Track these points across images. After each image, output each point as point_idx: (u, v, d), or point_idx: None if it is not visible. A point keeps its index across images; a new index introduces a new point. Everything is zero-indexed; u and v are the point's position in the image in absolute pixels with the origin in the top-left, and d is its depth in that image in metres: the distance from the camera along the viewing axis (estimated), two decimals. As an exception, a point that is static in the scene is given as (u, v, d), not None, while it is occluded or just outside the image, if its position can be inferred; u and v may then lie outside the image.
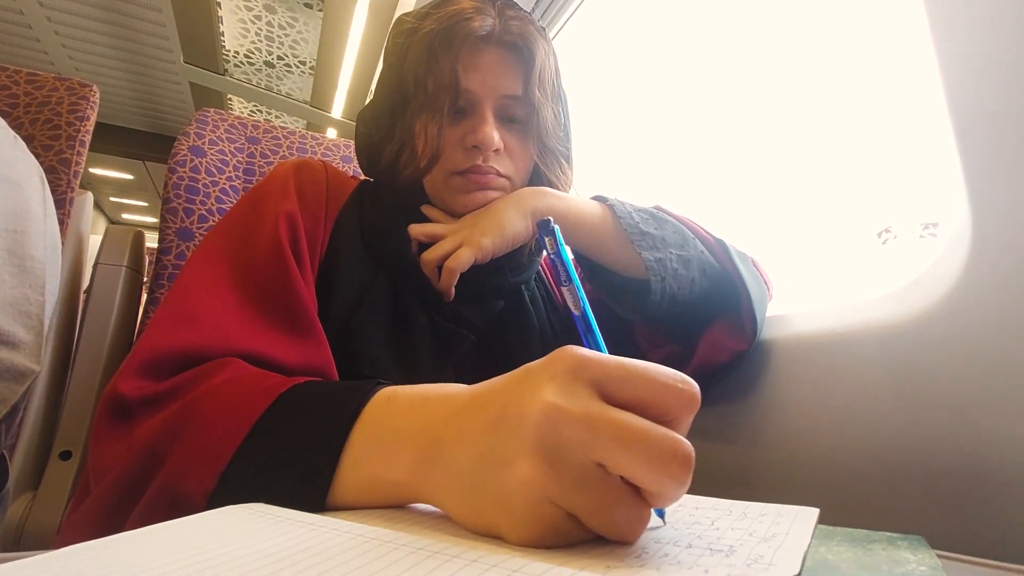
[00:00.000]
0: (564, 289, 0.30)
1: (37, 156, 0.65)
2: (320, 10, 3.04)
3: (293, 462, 0.27)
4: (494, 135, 0.50)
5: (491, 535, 0.21)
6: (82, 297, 0.84)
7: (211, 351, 0.37)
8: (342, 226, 0.53)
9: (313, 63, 3.59)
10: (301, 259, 0.47)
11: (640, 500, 0.21)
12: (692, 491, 0.29)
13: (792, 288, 0.71)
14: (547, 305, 0.61)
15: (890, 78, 0.91)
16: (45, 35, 3.22)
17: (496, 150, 0.51)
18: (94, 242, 0.87)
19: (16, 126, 0.75)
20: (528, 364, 0.23)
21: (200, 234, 0.86)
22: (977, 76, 0.38)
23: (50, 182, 0.67)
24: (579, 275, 0.31)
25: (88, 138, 0.82)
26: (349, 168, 1.02)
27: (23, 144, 0.61)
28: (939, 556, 0.25)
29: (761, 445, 0.56)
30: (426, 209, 0.55)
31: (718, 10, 1.19)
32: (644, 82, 1.33)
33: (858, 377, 0.47)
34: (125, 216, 7.08)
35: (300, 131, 1.03)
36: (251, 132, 0.98)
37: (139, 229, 0.92)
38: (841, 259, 1.12)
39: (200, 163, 0.89)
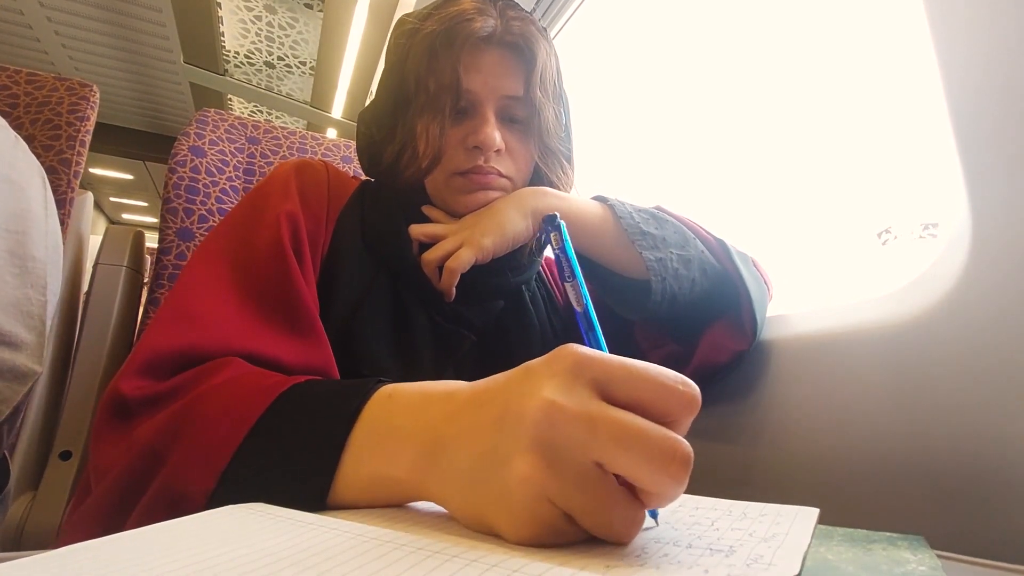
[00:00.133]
0: (567, 285, 0.30)
1: (37, 156, 0.65)
2: (320, 10, 3.04)
3: (294, 461, 0.27)
4: (495, 135, 0.50)
5: (490, 533, 0.21)
6: (82, 297, 0.84)
7: (212, 351, 0.37)
8: (343, 227, 0.53)
9: (313, 63, 3.59)
10: (302, 259, 0.47)
11: (636, 502, 0.21)
12: (692, 491, 0.29)
13: (792, 288, 0.71)
14: (548, 305, 0.61)
15: (890, 78, 0.91)
16: (45, 35, 3.22)
17: (497, 150, 0.51)
18: (94, 242, 0.88)
19: (16, 126, 0.75)
20: (529, 362, 0.23)
21: (200, 234, 0.86)
22: (977, 76, 0.38)
23: (50, 182, 0.67)
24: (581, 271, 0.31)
25: (88, 138, 0.82)
26: (349, 168, 1.02)
27: (25, 145, 0.61)
28: (939, 556, 0.25)
29: (761, 445, 0.56)
30: (427, 209, 0.55)
31: (718, 10, 1.19)
32: (644, 82, 1.33)
33: (858, 377, 0.47)
34: (125, 216, 7.08)
35: (300, 131, 1.03)
36: (251, 132, 0.98)
37: (139, 229, 0.92)
38: (841, 259, 1.12)
39: (200, 163, 0.89)
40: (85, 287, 0.85)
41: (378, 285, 0.51)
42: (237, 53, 3.56)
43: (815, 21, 1.07)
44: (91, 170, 5.31)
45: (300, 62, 3.63)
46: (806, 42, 1.08)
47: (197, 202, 0.87)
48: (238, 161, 0.95)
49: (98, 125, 0.86)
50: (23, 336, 0.52)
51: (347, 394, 0.29)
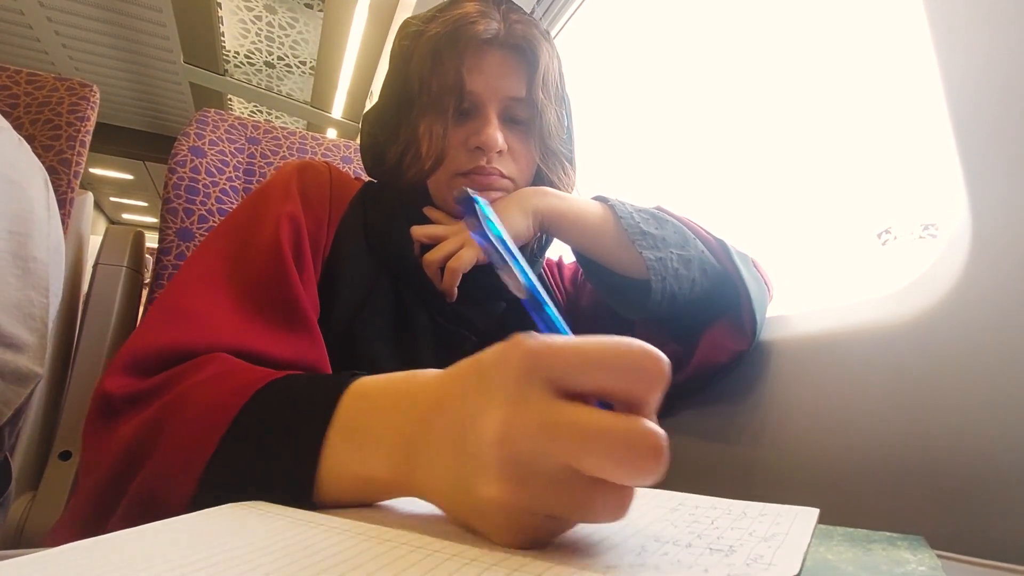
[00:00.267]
0: (501, 274, 0.25)
1: (37, 156, 0.65)
2: (320, 10, 3.04)
3: (271, 465, 0.26)
4: (498, 136, 0.51)
5: (477, 534, 0.21)
6: (82, 297, 0.84)
7: (199, 347, 0.37)
8: (345, 228, 0.54)
9: (313, 63, 3.59)
10: (303, 261, 0.47)
11: (618, 485, 0.19)
12: (692, 491, 0.29)
13: (792, 289, 0.71)
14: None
15: (890, 79, 0.91)
16: (45, 35, 3.22)
17: (500, 151, 0.52)
18: (94, 242, 0.88)
19: (16, 126, 0.75)
20: (482, 358, 0.22)
21: (200, 234, 0.86)
22: (977, 76, 0.38)
23: (51, 182, 0.67)
24: (518, 252, 0.25)
25: (88, 138, 0.82)
26: (349, 169, 1.02)
27: (27, 146, 0.61)
28: (939, 556, 0.25)
29: (761, 445, 0.56)
30: (428, 211, 0.55)
31: (719, 11, 1.19)
32: (644, 83, 1.33)
33: (858, 377, 0.47)
34: (125, 216, 7.08)
35: (300, 131, 1.03)
36: (251, 132, 0.98)
37: (139, 229, 0.92)
38: (841, 260, 1.12)
39: (200, 163, 0.89)
40: (85, 287, 0.85)
41: (380, 286, 0.51)
42: (237, 53, 3.56)
43: (815, 21, 1.07)
44: (91, 170, 5.31)
45: (300, 62, 3.63)
46: (806, 42, 1.08)
47: (197, 202, 0.87)
48: (238, 161, 0.95)
49: (98, 125, 0.86)
50: (25, 338, 0.52)
51: (319, 394, 0.28)
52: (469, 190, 0.27)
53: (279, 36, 3.36)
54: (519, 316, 0.57)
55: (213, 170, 0.90)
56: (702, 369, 0.56)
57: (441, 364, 0.51)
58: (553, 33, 1.10)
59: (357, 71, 3.33)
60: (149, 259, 0.94)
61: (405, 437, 0.24)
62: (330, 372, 0.43)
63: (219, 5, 3.08)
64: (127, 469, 0.30)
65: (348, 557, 0.17)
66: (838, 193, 1.13)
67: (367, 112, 0.58)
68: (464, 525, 0.22)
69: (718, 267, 0.55)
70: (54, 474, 0.74)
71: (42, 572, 0.16)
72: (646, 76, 1.32)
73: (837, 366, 0.49)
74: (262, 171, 0.96)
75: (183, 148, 0.89)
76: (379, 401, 0.26)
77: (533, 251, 0.57)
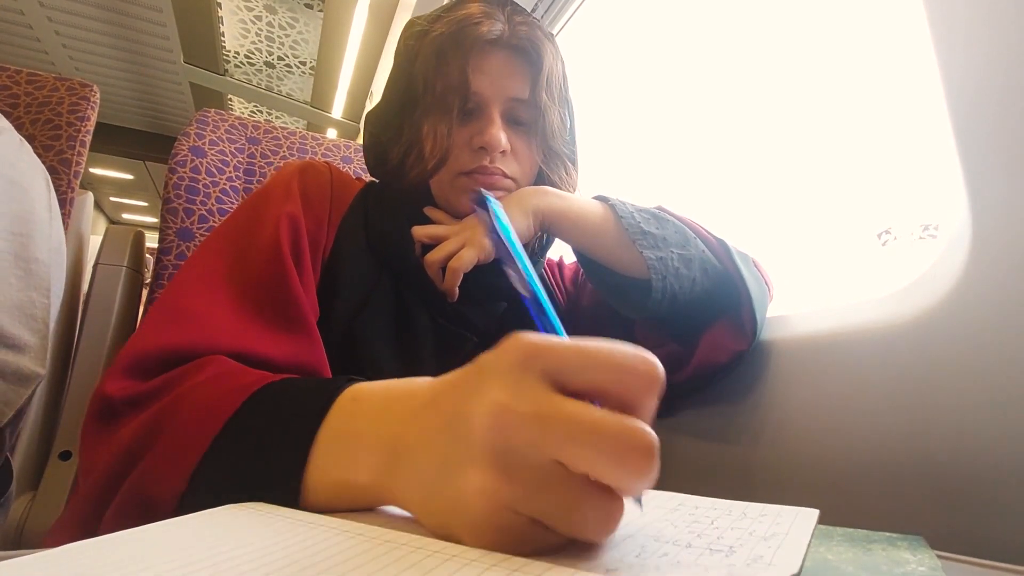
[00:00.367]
0: (508, 271, 0.26)
1: (37, 156, 0.65)
2: (320, 10, 3.04)
3: (260, 466, 0.26)
4: (501, 136, 0.51)
5: (454, 541, 0.20)
6: (82, 297, 0.84)
7: (198, 349, 0.37)
8: (346, 228, 0.54)
9: (313, 63, 3.59)
10: (302, 261, 0.47)
11: (609, 494, 0.19)
12: (692, 491, 0.29)
13: (792, 289, 0.71)
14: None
15: (890, 79, 0.91)
16: (46, 35, 3.22)
17: (503, 151, 0.52)
18: (94, 242, 0.88)
19: (17, 126, 0.75)
20: (482, 355, 0.22)
21: (200, 234, 0.86)
22: (977, 76, 0.38)
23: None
24: (524, 252, 0.27)
25: (88, 138, 0.82)
26: (349, 169, 1.02)
27: (29, 147, 0.61)
28: (939, 556, 0.25)
29: (761, 445, 0.56)
30: (429, 211, 0.55)
31: (719, 12, 1.19)
32: (645, 83, 1.33)
33: (858, 377, 0.47)
34: (125, 216, 7.08)
35: (300, 131, 1.03)
36: (251, 132, 0.98)
37: (139, 229, 0.92)
38: (841, 260, 1.12)
39: (200, 163, 0.89)
40: (85, 287, 0.85)
41: (380, 286, 0.52)
42: (237, 53, 3.56)
43: (815, 21, 1.07)
44: (91, 170, 5.31)
45: (300, 62, 3.63)
46: (807, 43, 1.08)
47: (197, 202, 0.87)
48: (238, 161, 0.95)
49: (98, 125, 0.86)
50: (27, 339, 0.52)
51: (312, 397, 0.28)
52: (484, 191, 0.28)
53: (279, 36, 3.36)
54: (519, 316, 0.57)
55: (213, 170, 0.90)
56: (702, 369, 0.56)
57: (442, 364, 0.52)
58: (553, 33, 1.10)
59: (357, 71, 3.33)
60: (149, 259, 0.94)
61: (391, 438, 0.24)
62: (329, 373, 0.43)
63: (219, 5, 3.08)
64: (125, 470, 0.30)
65: (348, 558, 0.17)
66: (838, 193, 1.13)
67: (369, 112, 0.58)
68: (437, 528, 0.21)
69: (719, 267, 0.55)
70: (54, 474, 0.74)
71: (42, 572, 0.16)
72: (646, 76, 1.32)
73: (837, 366, 0.49)
74: (262, 171, 0.96)
75: (183, 148, 0.89)
76: (371, 404, 0.26)
77: (534, 250, 0.57)
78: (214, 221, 0.88)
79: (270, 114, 4.34)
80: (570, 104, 0.59)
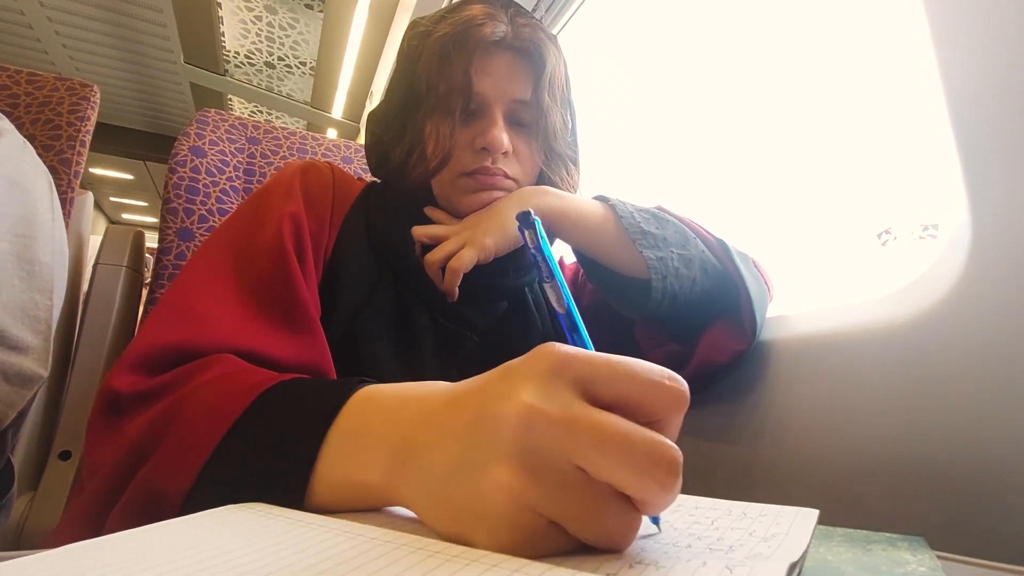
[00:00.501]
0: (547, 286, 0.28)
1: (38, 156, 0.65)
2: (320, 11, 3.04)
3: (269, 464, 0.26)
4: (503, 137, 0.51)
5: (463, 543, 0.19)
6: (82, 297, 0.84)
7: (205, 347, 0.37)
8: (348, 228, 0.54)
9: (313, 64, 3.59)
10: (304, 260, 0.47)
11: (629, 506, 0.19)
12: (692, 491, 0.29)
13: (792, 289, 0.71)
14: (551, 308, 0.61)
15: (890, 79, 0.91)
16: (46, 35, 3.22)
17: (505, 152, 0.52)
18: (94, 242, 0.88)
19: (17, 126, 0.75)
20: (509, 362, 0.22)
21: (200, 234, 0.86)
22: (977, 76, 0.38)
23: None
24: (561, 271, 0.29)
25: (88, 138, 0.82)
26: (350, 169, 1.02)
27: (32, 149, 0.61)
28: (939, 556, 0.25)
29: (761, 445, 0.56)
30: (429, 211, 0.55)
31: (718, 11, 1.19)
32: (645, 83, 1.33)
33: (858, 377, 0.47)
34: (125, 216, 7.08)
35: (300, 132, 1.03)
36: (251, 132, 0.98)
37: (139, 229, 0.92)
38: (841, 260, 1.12)
39: (200, 163, 0.89)
40: (85, 287, 0.85)
41: (381, 286, 0.52)
42: (237, 53, 3.56)
43: (815, 21, 1.07)
44: (91, 170, 5.31)
45: (300, 62, 3.63)
46: (806, 42, 1.08)
47: (197, 202, 0.87)
48: (238, 161, 0.95)
49: (98, 125, 0.86)
50: (29, 340, 0.52)
51: (325, 395, 0.28)
52: (532, 211, 0.30)
53: (279, 36, 3.36)
54: (519, 316, 0.57)
55: (213, 170, 0.90)
56: (702, 369, 0.56)
57: (442, 364, 0.52)
58: (554, 32, 1.10)
59: (357, 71, 3.34)
60: (149, 259, 0.94)
61: (403, 438, 0.24)
62: (332, 372, 0.43)
63: (219, 5, 3.08)
64: (133, 465, 0.30)
65: (349, 558, 0.17)
66: (838, 193, 1.13)
67: (372, 112, 0.58)
68: (448, 529, 0.20)
69: (718, 267, 0.55)
70: (54, 474, 0.74)
71: (42, 572, 0.16)
72: (646, 76, 1.32)
73: (837, 366, 0.49)
74: (262, 171, 0.96)
75: (183, 148, 0.89)
76: (385, 405, 0.26)
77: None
78: (214, 221, 0.88)
79: (270, 114, 4.34)
80: (572, 105, 0.59)
